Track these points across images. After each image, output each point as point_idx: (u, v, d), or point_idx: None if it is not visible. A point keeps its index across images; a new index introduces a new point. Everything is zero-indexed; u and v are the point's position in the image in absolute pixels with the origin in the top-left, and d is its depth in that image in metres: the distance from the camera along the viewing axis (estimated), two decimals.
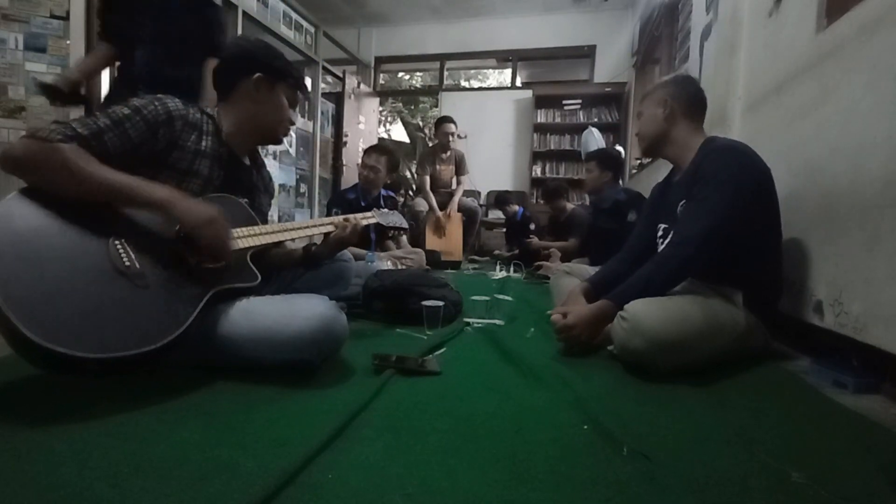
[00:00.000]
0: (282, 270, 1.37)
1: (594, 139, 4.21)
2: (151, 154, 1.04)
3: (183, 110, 1.09)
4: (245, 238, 1.11)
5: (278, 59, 1.23)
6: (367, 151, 3.09)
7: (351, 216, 1.33)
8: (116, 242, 0.92)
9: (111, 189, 0.92)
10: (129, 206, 0.97)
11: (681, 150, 1.40)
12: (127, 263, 0.91)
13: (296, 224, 1.25)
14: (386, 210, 1.54)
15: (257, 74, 1.18)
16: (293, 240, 1.26)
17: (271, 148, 4.18)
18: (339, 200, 2.99)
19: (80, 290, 0.84)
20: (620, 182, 3.32)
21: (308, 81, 5.00)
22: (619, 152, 3.45)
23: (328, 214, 2.93)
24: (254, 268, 1.11)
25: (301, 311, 1.01)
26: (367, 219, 1.40)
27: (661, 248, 1.42)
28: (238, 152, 1.24)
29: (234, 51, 1.24)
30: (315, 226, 1.31)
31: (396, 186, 3.84)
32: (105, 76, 2.43)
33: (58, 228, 0.88)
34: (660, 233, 1.47)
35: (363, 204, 2.93)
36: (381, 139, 7.49)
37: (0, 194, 0.86)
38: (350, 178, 5.22)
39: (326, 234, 1.32)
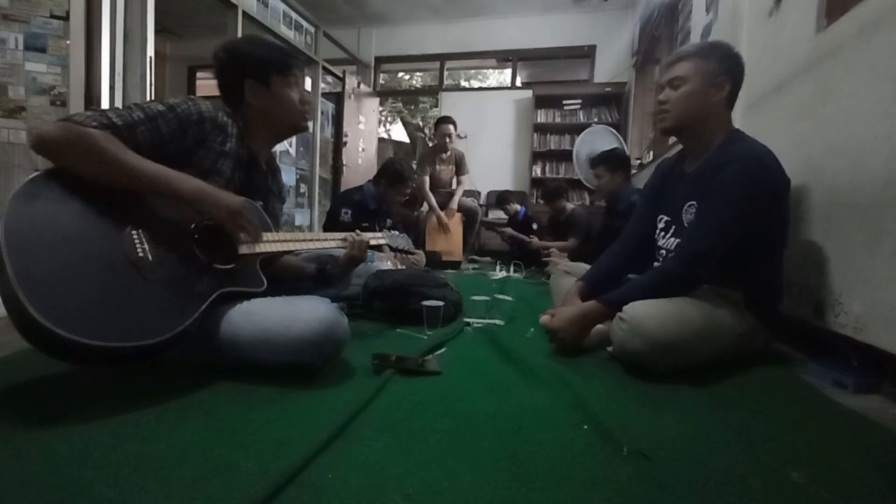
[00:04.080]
0: (290, 282, 1.35)
1: (612, 137, 4.16)
2: (178, 151, 1.05)
3: (213, 112, 1.11)
4: (258, 244, 1.11)
5: (259, 49, 1.19)
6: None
7: (357, 234, 1.31)
8: (134, 232, 0.93)
9: (141, 176, 0.93)
10: (157, 194, 0.97)
11: (707, 139, 1.28)
12: (140, 254, 0.92)
13: (309, 235, 1.25)
14: (395, 232, 1.54)
15: (247, 81, 1.18)
16: (308, 251, 1.26)
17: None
18: (347, 201, 2.96)
19: (90, 276, 0.85)
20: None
21: (308, 81, 5.00)
22: (625, 151, 3.36)
23: (336, 215, 2.90)
24: (261, 274, 1.11)
25: (302, 314, 1.02)
26: (376, 239, 1.41)
27: (661, 241, 1.41)
28: (258, 155, 1.25)
29: (218, 67, 1.21)
30: (327, 239, 1.30)
31: (413, 201, 3.72)
32: (105, 76, 2.44)
33: (78, 212, 0.89)
34: (661, 224, 1.43)
35: (371, 208, 2.91)
36: (381, 139, 7.49)
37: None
38: (350, 178, 5.22)
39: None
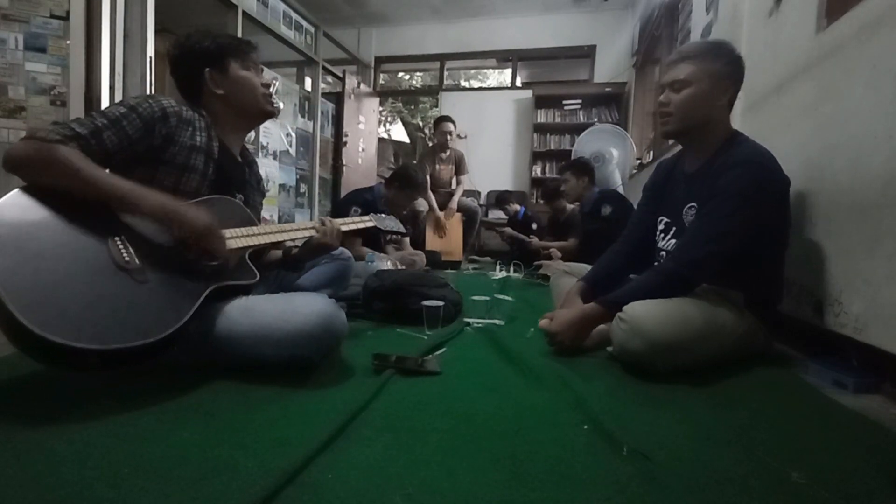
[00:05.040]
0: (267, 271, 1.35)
1: (615, 137, 4.24)
2: (149, 150, 1.05)
3: (176, 107, 1.10)
4: (243, 238, 1.11)
5: (207, 40, 1.19)
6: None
7: (327, 219, 1.30)
8: (117, 239, 0.93)
9: (108, 193, 0.93)
10: (125, 211, 0.97)
11: (709, 141, 1.28)
12: (126, 259, 0.91)
13: (294, 225, 1.25)
14: (383, 215, 1.54)
15: (206, 70, 1.17)
16: (293, 240, 1.25)
17: (271, 147, 4.18)
18: (358, 199, 2.98)
19: (79, 283, 0.84)
20: (621, 186, 3.39)
21: (308, 81, 5.00)
22: (589, 160, 3.56)
23: (346, 212, 2.91)
24: (252, 266, 1.11)
25: (300, 308, 1.02)
26: (364, 223, 1.40)
27: (661, 243, 1.41)
28: (231, 147, 1.24)
29: (173, 64, 1.21)
30: (311, 227, 1.30)
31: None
32: (105, 76, 2.44)
33: (59, 223, 0.89)
34: (661, 226, 1.43)
35: (380, 209, 2.93)
36: (381, 139, 7.49)
37: (1, 192, 0.87)
38: (349, 178, 5.22)
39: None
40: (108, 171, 0.98)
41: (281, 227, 1.22)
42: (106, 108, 1.02)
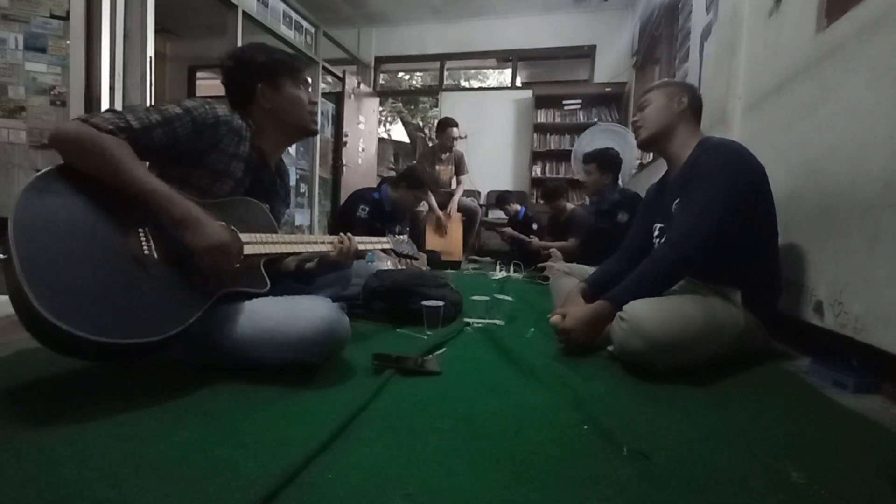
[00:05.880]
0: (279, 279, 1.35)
1: (615, 136, 4.20)
2: (190, 152, 1.05)
3: (229, 117, 1.11)
4: (261, 245, 1.11)
5: (262, 55, 1.20)
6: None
7: (346, 237, 1.28)
8: (140, 229, 0.94)
9: (140, 190, 0.93)
10: (152, 209, 0.97)
11: (679, 149, 1.40)
12: (146, 251, 0.92)
13: (313, 238, 1.25)
14: (401, 238, 1.55)
15: (258, 84, 1.18)
16: (310, 253, 1.25)
17: None
18: (365, 198, 2.97)
19: (96, 272, 0.85)
20: (620, 182, 3.33)
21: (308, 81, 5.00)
22: (619, 153, 3.41)
23: (353, 211, 2.91)
24: (265, 275, 1.11)
25: (304, 313, 1.02)
26: (381, 244, 1.41)
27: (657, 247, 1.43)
28: (268, 158, 1.25)
29: (226, 74, 1.22)
30: (329, 242, 1.28)
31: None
32: (105, 76, 2.44)
33: (86, 208, 0.89)
34: (655, 232, 1.47)
35: (387, 210, 2.93)
36: (381, 139, 7.49)
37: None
38: (349, 178, 5.22)
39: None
40: (147, 164, 0.99)
41: (300, 239, 1.22)
42: (162, 105, 1.03)
